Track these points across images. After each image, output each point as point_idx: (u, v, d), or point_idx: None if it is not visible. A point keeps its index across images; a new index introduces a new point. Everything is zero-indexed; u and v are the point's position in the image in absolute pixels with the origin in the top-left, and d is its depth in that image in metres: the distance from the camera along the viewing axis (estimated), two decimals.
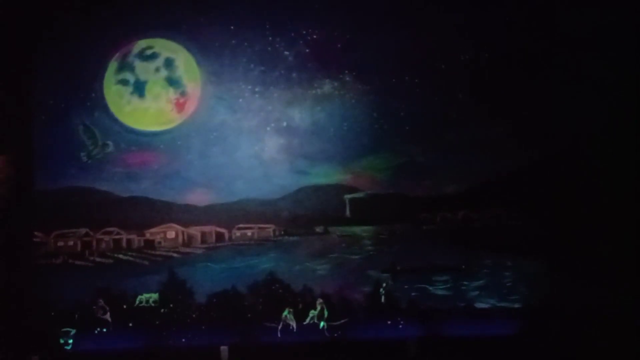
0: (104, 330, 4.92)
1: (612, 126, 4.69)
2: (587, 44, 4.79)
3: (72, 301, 5.07)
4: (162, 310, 5.00)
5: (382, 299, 4.97)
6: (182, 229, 5.15)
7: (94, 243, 5.18)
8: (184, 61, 5.28)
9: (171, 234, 5.17)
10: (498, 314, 4.74)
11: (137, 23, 5.30)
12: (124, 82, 5.33)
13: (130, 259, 5.18)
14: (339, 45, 5.10)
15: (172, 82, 5.31)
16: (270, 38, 5.20)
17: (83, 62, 5.29)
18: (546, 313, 4.60)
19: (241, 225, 5.11)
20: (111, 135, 5.24)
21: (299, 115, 5.15)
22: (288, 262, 5.01)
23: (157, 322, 4.96)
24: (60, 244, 5.21)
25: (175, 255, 5.16)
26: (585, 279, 4.52)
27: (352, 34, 5.08)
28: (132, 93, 5.32)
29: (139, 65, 5.32)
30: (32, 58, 5.33)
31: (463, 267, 4.85)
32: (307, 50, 5.15)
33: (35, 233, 5.18)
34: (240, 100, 5.21)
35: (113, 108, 5.31)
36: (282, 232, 5.01)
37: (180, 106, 5.28)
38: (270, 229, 5.08)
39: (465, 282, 4.84)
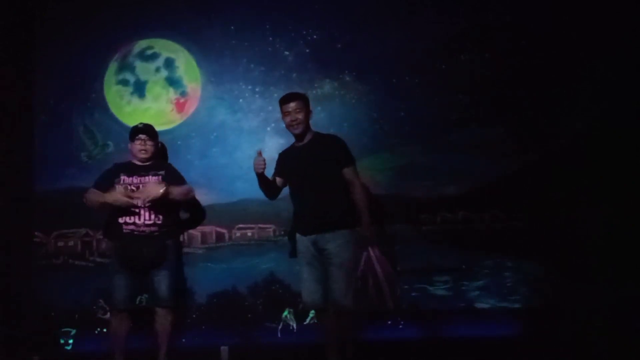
0: (104, 330, 4.91)
1: (612, 126, 4.69)
2: (587, 44, 4.80)
3: (72, 301, 5.08)
4: None
5: None
6: None
7: (94, 243, 5.17)
8: (185, 61, 5.30)
9: None
10: (498, 314, 4.73)
11: (137, 23, 5.32)
12: (124, 83, 5.35)
13: None
14: (339, 45, 5.10)
15: (173, 82, 5.32)
16: (270, 38, 5.21)
17: (83, 62, 5.31)
18: (546, 313, 4.59)
19: (241, 225, 5.10)
20: (111, 135, 5.25)
21: None
22: (288, 262, 4.98)
23: None
24: (60, 244, 5.20)
25: None
26: (586, 279, 4.51)
27: (352, 34, 5.08)
28: (132, 93, 5.34)
29: (139, 65, 5.35)
30: (32, 59, 5.36)
31: (463, 267, 4.84)
32: (307, 51, 5.16)
33: (35, 233, 5.21)
34: (241, 100, 5.22)
35: (113, 108, 5.33)
36: (282, 232, 4.99)
37: (180, 106, 5.29)
38: (270, 229, 5.07)
39: (465, 282, 4.83)
